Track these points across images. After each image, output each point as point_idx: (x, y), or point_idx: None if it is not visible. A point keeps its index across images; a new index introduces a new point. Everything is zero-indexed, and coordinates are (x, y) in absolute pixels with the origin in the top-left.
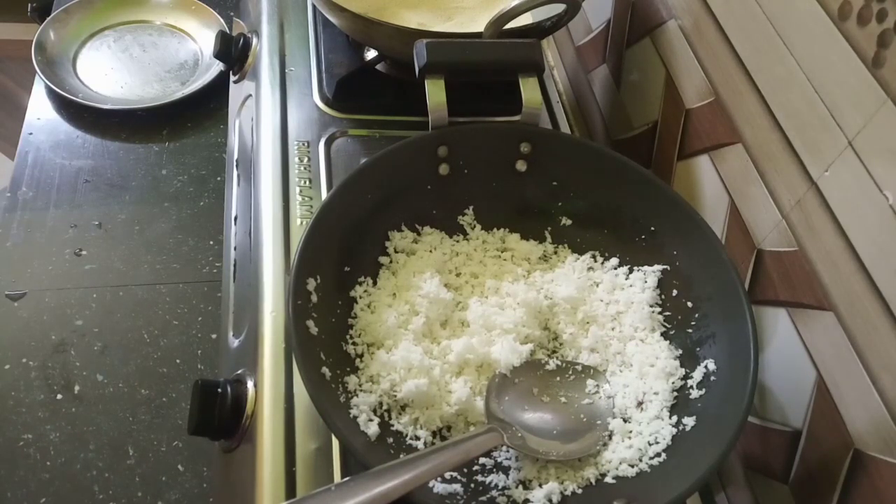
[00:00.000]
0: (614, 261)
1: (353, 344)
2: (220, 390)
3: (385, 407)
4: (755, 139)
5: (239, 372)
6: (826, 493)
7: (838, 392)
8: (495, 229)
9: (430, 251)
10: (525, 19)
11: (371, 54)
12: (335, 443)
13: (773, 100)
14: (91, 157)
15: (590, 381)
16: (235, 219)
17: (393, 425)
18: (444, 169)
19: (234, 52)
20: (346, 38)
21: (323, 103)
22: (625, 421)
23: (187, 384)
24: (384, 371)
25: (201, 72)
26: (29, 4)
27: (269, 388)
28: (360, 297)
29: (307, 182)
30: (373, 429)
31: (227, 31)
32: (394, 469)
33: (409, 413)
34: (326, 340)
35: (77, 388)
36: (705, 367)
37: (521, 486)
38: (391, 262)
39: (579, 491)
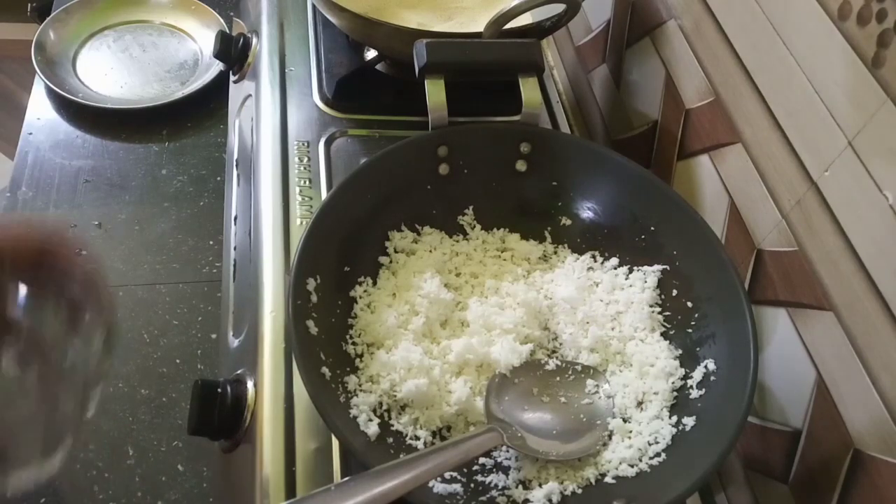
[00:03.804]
0: (614, 261)
1: (353, 344)
2: (219, 390)
3: (385, 407)
4: (755, 139)
5: (239, 372)
6: (826, 493)
7: (838, 392)
8: (495, 229)
9: (430, 251)
10: (525, 19)
11: (371, 54)
12: (335, 443)
13: (772, 99)
14: (91, 157)
15: (589, 381)
16: (235, 219)
17: (393, 425)
18: (444, 169)
19: (233, 52)
20: (346, 38)
21: (323, 103)
22: (624, 421)
23: (187, 384)
24: (384, 371)
25: (201, 72)
26: (29, 4)
27: (268, 388)
28: (360, 297)
29: (307, 182)
30: (373, 429)
31: (227, 31)
32: (393, 469)
33: (409, 413)
34: (326, 340)
35: None
36: (705, 366)
37: (520, 486)
38: (391, 262)
39: (579, 491)
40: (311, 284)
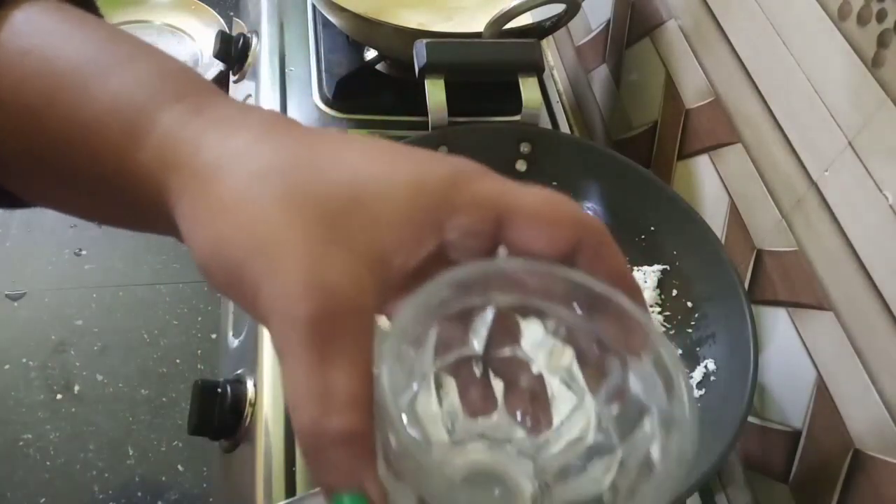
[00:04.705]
0: None
1: None
2: (219, 390)
3: None
4: (755, 139)
5: (239, 372)
6: (826, 493)
7: (838, 392)
8: None
9: None
10: (525, 19)
11: (371, 54)
12: None
13: (772, 99)
14: None
15: None
16: None
17: None
18: None
19: (233, 52)
20: (346, 37)
21: (323, 103)
22: None
23: (187, 384)
24: None
25: (201, 72)
26: None
27: (268, 388)
28: None
29: None
30: None
31: (227, 31)
32: None
33: None
34: None
35: (77, 388)
36: (705, 367)
37: None
38: None
39: None
40: None
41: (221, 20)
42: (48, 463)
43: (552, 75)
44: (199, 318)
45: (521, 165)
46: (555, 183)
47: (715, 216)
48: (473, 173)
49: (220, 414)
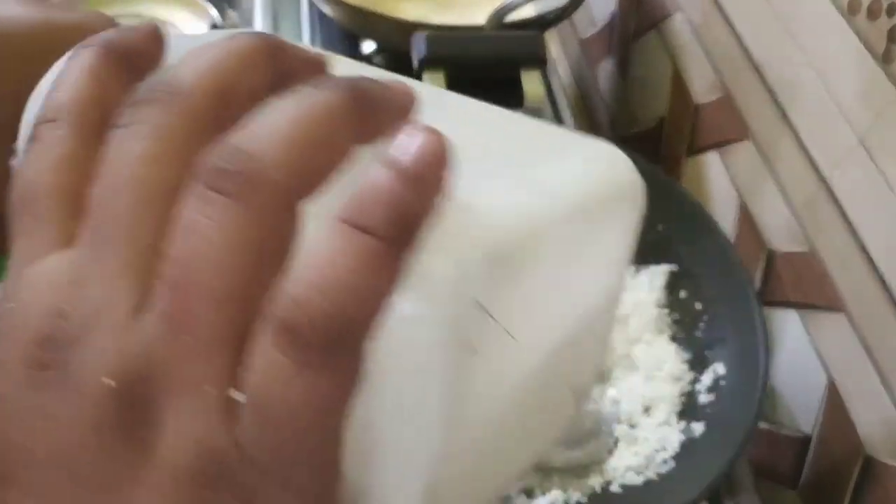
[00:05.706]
0: None
1: None
2: None
3: None
4: (765, 136)
5: None
6: (836, 500)
7: (849, 396)
8: None
9: None
10: (527, 11)
11: (368, 48)
12: None
13: (782, 95)
14: None
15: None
16: None
17: None
18: None
19: None
20: (343, 30)
21: None
22: (631, 427)
23: None
24: None
25: None
26: None
27: None
28: None
29: None
30: None
31: (220, 24)
32: None
33: None
34: None
35: None
36: (714, 370)
37: (523, 495)
38: None
39: (584, 499)
40: None
41: (214, 12)
42: None
43: (556, 69)
44: None
45: None
46: None
47: (725, 215)
48: None
49: None
